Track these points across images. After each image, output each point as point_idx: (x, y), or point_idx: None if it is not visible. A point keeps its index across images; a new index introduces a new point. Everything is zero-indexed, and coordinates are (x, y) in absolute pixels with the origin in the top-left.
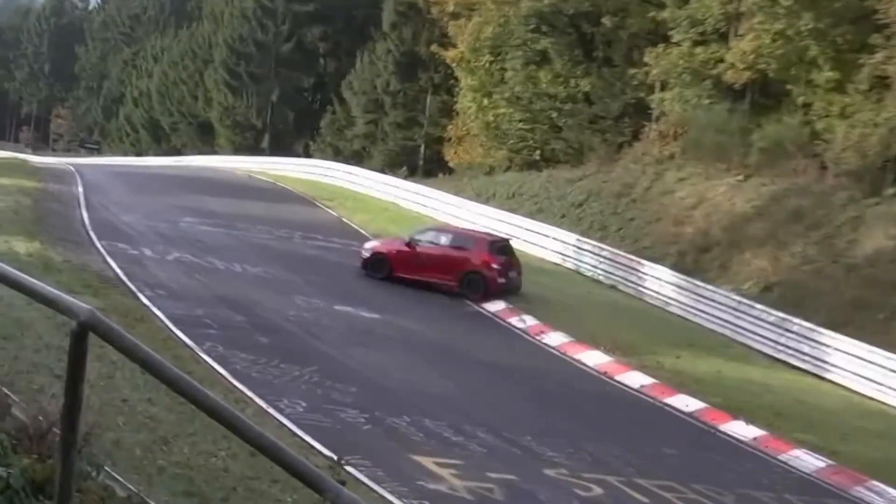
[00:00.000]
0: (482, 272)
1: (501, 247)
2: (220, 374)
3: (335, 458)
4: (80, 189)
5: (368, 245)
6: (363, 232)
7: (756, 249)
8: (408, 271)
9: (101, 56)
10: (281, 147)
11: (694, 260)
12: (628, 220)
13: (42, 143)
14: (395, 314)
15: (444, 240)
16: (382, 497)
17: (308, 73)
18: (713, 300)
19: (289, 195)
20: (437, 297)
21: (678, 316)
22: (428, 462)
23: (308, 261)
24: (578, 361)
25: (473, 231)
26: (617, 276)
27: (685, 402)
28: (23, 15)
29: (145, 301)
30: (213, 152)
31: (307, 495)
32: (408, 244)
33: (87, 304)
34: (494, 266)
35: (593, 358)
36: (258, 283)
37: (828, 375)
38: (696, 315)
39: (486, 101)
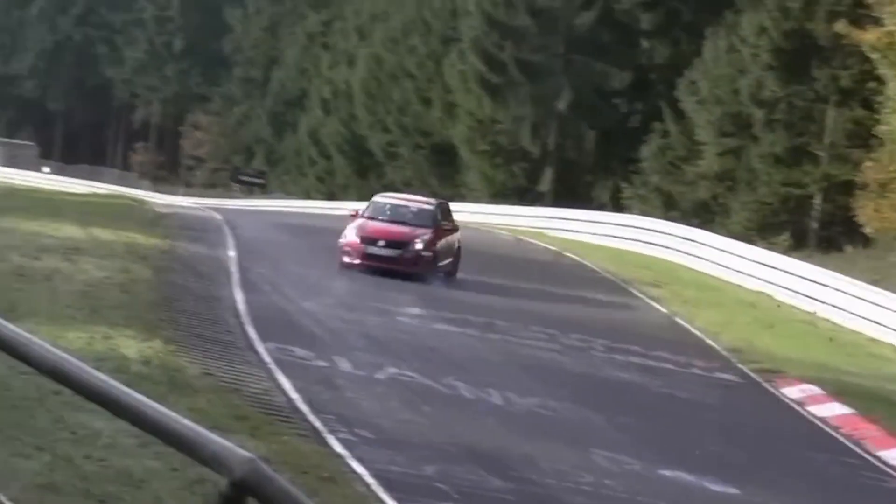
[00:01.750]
0: None
1: None
2: None
3: None
4: (233, 253)
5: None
6: (712, 343)
7: None
8: None
9: (270, 26)
10: (572, 192)
11: None
12: None
13: (169, 172)
14: (766, 487)
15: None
16: None
17: (622, 65)
18: None
19: (585, 275)
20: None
21: None
22: None
23: (616, 390)
24: None
25: None
26: None
27: None
28: None
29: (338, 448)
30: (458, 197)
31: None
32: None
33: (244, 451)
34: None
35: None
36: (530, 425)
37: None
38: None
39: None
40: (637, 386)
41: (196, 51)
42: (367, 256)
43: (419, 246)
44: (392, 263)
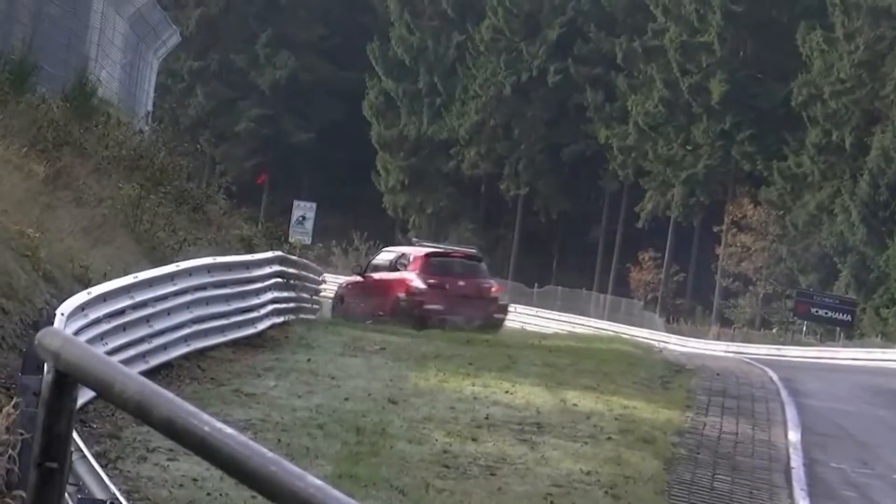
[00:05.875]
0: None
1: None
2: None
3: None
4: (795, 436)
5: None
6: None
7: None
8: None
9: (867, 58)
10: None
11: None
12: None
13: (694, 300)
14: None
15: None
16: None
17: None
18: None
19: None
20: None
21: None
22: None
23: None
24: None
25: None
26: None
27: None
28: None
29: None
30: None
31: None
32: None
33: None
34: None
35: None
36: None
37: None
38: None
39: None
40: None
41: (741, 99)
42: None
43: None
44: None
